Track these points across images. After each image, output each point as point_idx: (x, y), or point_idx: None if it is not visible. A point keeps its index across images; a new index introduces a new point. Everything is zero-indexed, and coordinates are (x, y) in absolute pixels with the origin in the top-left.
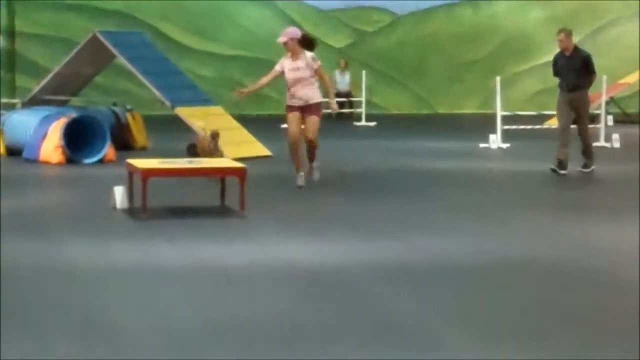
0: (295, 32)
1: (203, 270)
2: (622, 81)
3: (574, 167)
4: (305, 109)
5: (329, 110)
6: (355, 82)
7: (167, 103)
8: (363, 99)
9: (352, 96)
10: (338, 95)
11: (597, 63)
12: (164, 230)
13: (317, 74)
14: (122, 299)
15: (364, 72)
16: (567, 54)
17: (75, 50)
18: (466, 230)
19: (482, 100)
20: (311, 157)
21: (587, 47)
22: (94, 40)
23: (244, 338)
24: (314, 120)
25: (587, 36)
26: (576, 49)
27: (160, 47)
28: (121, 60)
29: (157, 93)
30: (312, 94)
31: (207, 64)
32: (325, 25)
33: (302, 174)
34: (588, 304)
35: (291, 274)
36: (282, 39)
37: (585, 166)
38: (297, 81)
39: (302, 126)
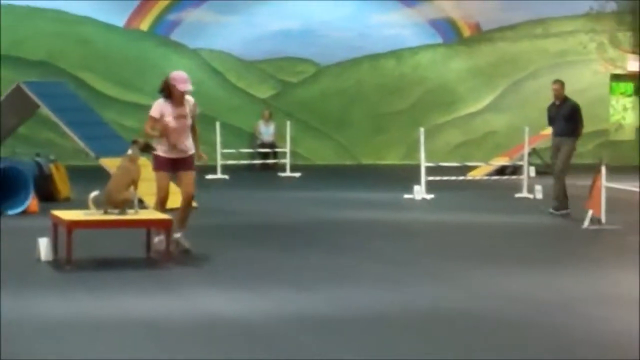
0: None
1: (127, 322)
2: (543, 132)
3: (512, 217)
4: (182, 162)
5: (255, 162)
6: (280, 132)
7: (92, 154)
8: (287, 149)
9: (276, 147)
10: (262, 145)
11: (519, 114)
12: (89, 282)
13: (194, 121)
14: (46, 352)
15: (288, 122)
16: (557, 103)
17: None
18: (390, 281)
19: (406, 151)
20: (184, 220)
21: (508, 99)
22: (17, 90)
23: None
24: (193, 174)
25: (509, 87)
26: (566, 98)
27: (84, 98)
28: (45, 110)
29: (81, 144)
30: (190, 144)
31: (130, 114)
32: (249, 76)
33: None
34: (513, 354)
35: (216, 326)
36: (191, 87)
37: (555, 208)
38: (182, 131)
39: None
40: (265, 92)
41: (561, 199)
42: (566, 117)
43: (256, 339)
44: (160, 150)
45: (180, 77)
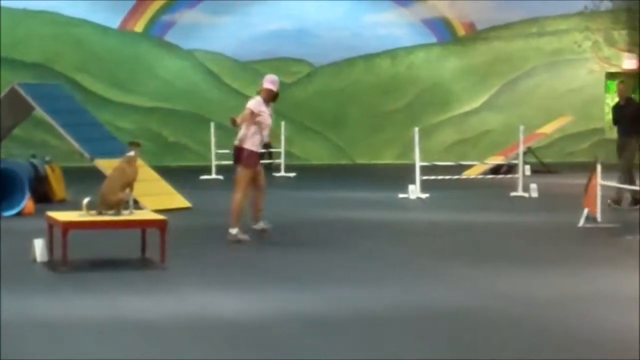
0: None
1: (123, 323)
2: (539, 131)
3: (503, 217)
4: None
5: None
6: (275, 132)
7: (87, 155)
8: (282, 149)
9: (271, 147)
10: None
11: (514, 113)
12: (84, 282)
13: None
14: (41, 352)
15: (282, 123)
16: (622, 103)
17: None
18: (386, 280)
19: (401, 150)
20: (261, 210)
21: (503, 97)
22: (12, 92)
23: None
24: None
25: (504, 86)
26: (630, 99)
27: (79, 99)
28: (40, 112)
29: (76, 145)
30: None
31: (126, 115)
32: (244, 77)
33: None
34: (510, 353)
35: (211, 325)
36: (273, 87)
37: (615, 202)
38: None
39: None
40: None
41: (635, 196)
42: (632, 117)
43: (251, 339)
44: (254, 146)
45: (272, 79)
